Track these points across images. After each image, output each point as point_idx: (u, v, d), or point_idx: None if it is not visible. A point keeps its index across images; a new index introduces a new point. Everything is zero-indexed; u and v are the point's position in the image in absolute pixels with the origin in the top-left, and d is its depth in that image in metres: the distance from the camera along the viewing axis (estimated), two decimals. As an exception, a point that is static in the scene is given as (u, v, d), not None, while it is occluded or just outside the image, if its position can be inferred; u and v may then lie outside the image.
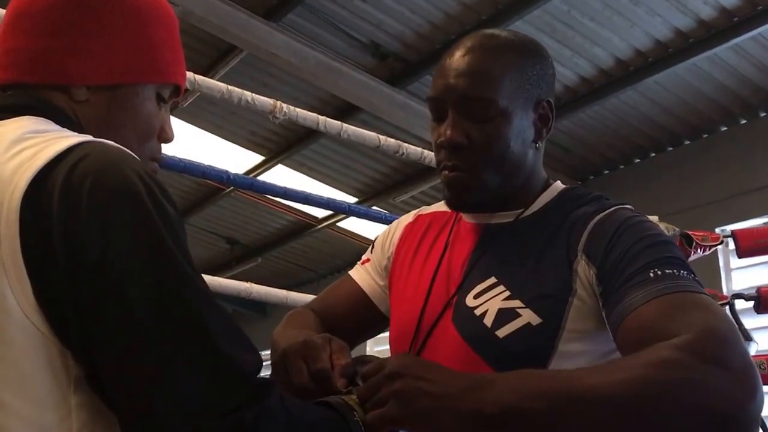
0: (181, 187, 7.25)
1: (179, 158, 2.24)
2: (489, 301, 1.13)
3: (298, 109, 2.33)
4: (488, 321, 1.11)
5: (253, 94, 2.27)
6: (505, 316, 1.10)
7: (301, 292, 9.73)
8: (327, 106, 5.68)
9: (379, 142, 2.48)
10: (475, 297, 1.14)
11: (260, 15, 4.74)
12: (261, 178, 6.79)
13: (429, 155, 2.62)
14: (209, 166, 2.14)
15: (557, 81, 5.17)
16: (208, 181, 7.08)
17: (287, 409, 0.80)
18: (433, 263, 1.25)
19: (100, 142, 0.84)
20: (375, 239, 1.43)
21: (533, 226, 1.19)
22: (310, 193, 2.38)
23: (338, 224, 7.43)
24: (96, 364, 0.75)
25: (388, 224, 2.77)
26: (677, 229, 3.47)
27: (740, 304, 3.47)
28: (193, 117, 6.07)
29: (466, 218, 1.26)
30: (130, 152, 0.85)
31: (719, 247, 3.74)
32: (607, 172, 6.02)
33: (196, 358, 0.74)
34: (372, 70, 5.13)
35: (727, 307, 3.46)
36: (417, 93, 5.27)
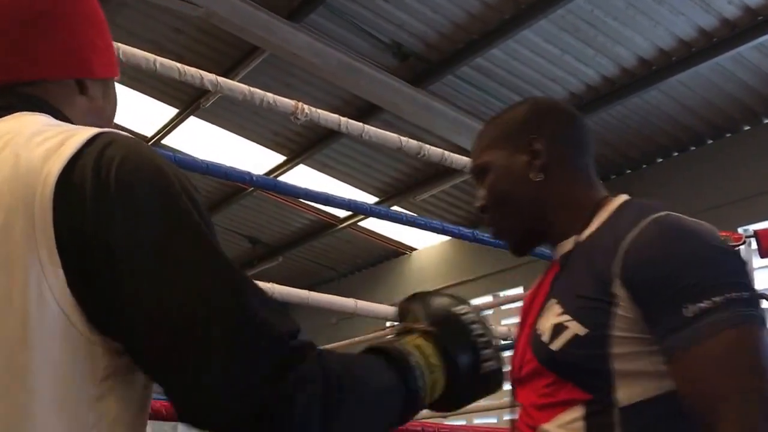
0: (203, 186, 7.30)
1: (201, 159, 2.26)
2: (547, 320, 1.21)
3: (319, 111, 2.34)
4: (546, 337, 1.19)
5: (275, 96, 2.28)
6: (557, 330, 1.18)
7: (322, 291, 9.69)
8: (349, 106, 5.70)
9: (401, 143, 2.49)
10: (541, 319, 1.23)
11: (283, 16, 4.77)
12: (282, 178, 6.83)
13: (450, 156, 2.62)
14: (231, 167, 2.15)
15: (579, 80, 5.17)
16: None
17: (325, 368, 0.78)
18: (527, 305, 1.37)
19: (118, 132, 0.84)
20: None
21: (589, 247, 1.25)
22: (330, 194, 2.39)
23: (360, 224, 7.44)
24: (133, 350, 0.76)
25: (407, 225, 2.78)
26: (700, 230, 3.46)
27: (763, 305, 3.44)
28: (214, 117, 6.11)
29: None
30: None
31: (741, 246, 3.72)
32: (629, 171, 5.99)
33: (235, 331, 0.74)
34: (394, 70, 5.14)
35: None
36: (439, 93, 5.28)
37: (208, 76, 2.20)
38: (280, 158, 6.64)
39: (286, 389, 0.74)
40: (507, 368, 1.09)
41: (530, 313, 1.29)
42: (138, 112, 6.31)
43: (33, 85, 0.94)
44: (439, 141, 5.84)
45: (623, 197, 1.31)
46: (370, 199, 7.05)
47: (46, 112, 0.91)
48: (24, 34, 0.94)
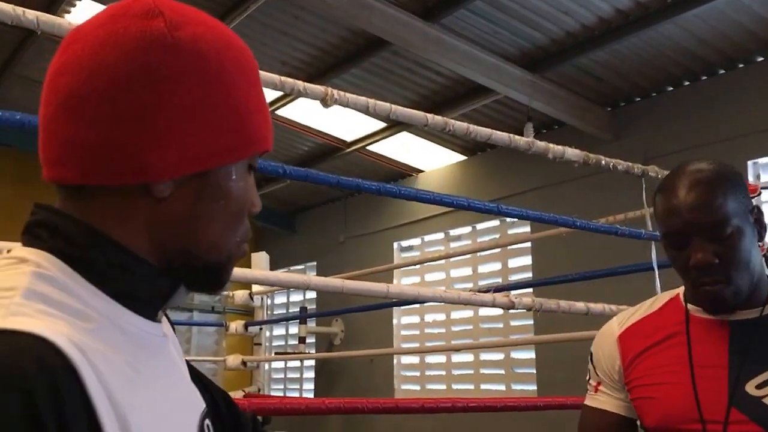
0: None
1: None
2: None
3: (348, 94, 2.36)
4: None
5: (305, 84, 2.30)
6: None
7: (329, 210, 9.73)
8: (358, 37, 5.63)
9: (426, 120, 2.51)
10: (758, 387, 1.36)
11: (291, -49, 4.66)
12: (289, 106, 6.80)
13: (474, 129, 2.65)
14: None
15: (592, 13, 5.09)
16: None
17: None
18: (680, 353, 1.46)
19: None
20: (591, 362, 1.62)
21: None
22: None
23: (367, 147, 7.46)
24: None
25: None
26: (715, 183, 3.51)
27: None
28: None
29: (705, 315, 1.47)
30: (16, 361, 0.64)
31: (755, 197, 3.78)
32: (638, 99, 5.98)
33: None
34: (405, 4, 5.05)
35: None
36: (450, 27, 5.21)
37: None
38: (288, 86, 6.60)
39: None
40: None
41: (705, 367, 1.42)
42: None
43: (73, 188, 0.78)
44: (449, 72, 5.81)
45: None
46: (378, 125, 7.05)
47: (53, 246, 0.76)
48: (55, 115, 0.78)
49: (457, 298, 2.42)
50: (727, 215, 1.37)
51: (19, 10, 1.82)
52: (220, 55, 0.79)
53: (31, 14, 1.83)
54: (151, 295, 0.82)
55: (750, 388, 1.35)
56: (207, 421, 0.88)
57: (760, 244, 1.44)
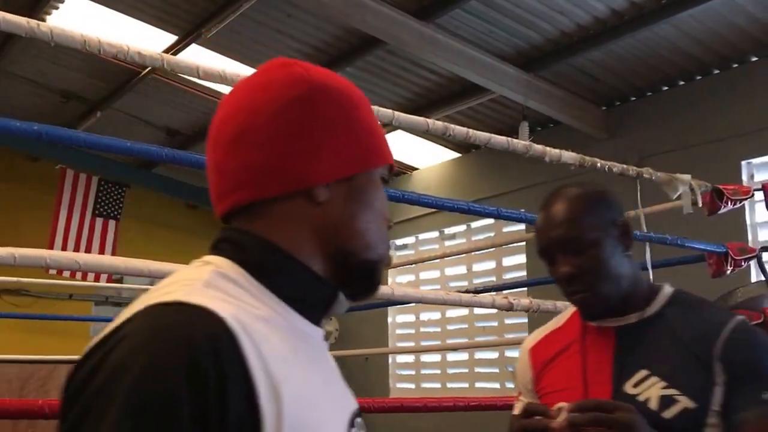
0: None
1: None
2: (648, 390, 1.46)
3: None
4: (653, 405, 1.44)
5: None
6: (666, 401, 1.44)
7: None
8: (352, 36, 5.62)
9: (428, 126, 2.51)
10: (634, 386, 1.48)
11: (287, -50, 4.65)
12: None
13: (474, 134, 2.65)
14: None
15: (587, 13, 5.08)
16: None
17: None
18: (575, 361, 1.58)
19: (151, 316, 0.82)
20: (514, 373, 1.78)
21: (657, 325, 1.54)
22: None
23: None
24: None
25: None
26: (708, 185, 3.50)
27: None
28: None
29: (594, 324, 1.59)
30: (187, 333, 0.79)
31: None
32: (633, 99, 5.99)
33: None
34: (399, 3, 5.05)
35: (755, 260, 3.54)
36: (445, 26, 5.21)
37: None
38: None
39: None
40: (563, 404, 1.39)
41: (594, 372, 1.53)
42: None
43: (246, 211, 0.95)
44: (445, 71, 5.81)
45: (669, 286, 1.60)
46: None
47: (233, 255, 0.92)
48: (226, 155, 0.96)
49: (459, 301, 2.43)
50: (581, 230, 1.52)
51: (33, 22, 1.89)
52: (345, 88, 1.00)
53: (45, 27, 1.88)
54: (314, 299, 0.96)
55: (628, 387, 1.47)
56: (358, 419, 1.00)
57: (629, 253, 1.56)
